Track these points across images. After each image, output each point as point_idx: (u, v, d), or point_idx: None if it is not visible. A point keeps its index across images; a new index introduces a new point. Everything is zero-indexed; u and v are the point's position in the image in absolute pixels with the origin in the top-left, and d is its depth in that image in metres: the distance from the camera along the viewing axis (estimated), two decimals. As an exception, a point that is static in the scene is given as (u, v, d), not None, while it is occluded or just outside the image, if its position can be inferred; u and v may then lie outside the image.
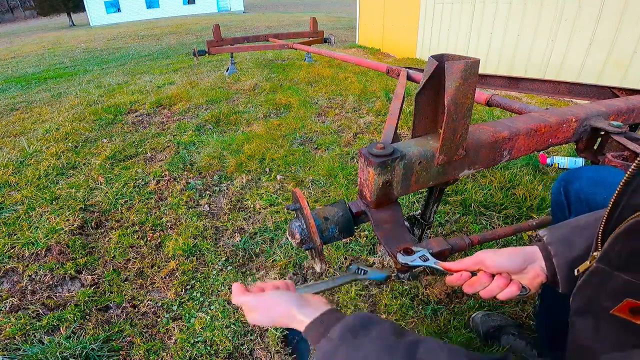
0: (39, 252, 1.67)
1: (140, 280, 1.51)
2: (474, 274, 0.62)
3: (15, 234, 1.80)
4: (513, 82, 1.59)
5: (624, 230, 0.41)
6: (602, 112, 0.97)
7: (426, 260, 0.67)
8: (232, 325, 1.26)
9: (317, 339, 0.50)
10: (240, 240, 1.69)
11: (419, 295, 1.34)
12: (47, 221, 1.87)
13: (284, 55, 6.26)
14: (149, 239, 1.74)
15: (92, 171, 2.40)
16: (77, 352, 1.17)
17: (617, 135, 0.87)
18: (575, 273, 0.51)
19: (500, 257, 0.60)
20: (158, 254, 1.65)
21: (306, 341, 1.23)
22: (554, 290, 0.58)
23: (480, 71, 0.79)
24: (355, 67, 4.89)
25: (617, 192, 0.43)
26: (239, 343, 1.21)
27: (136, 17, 27.36)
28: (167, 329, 1.28)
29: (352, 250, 1.57)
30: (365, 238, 1.64)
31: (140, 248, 1.69)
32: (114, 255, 1.64)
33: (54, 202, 2.05)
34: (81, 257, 1.63)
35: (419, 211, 1.19)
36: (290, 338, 1.26)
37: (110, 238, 1.76)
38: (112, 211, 1.97)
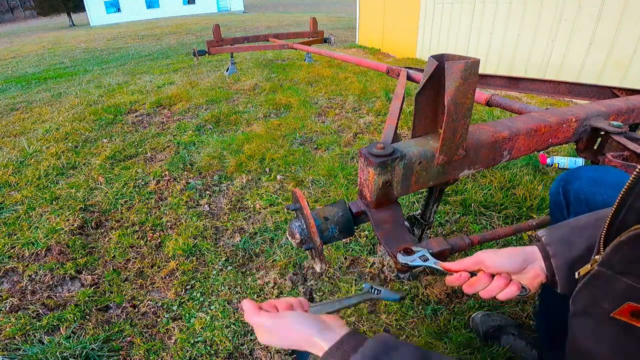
0: (39, 252, 1.67)
1: (140, 280, 1.51)
2: (473, 274, 0.62)
3: (15, 234, 1.80)
4: (513, 82, 1.59)
5: (626, 239, 0.41)
6: (602, 112, 0.97)
7: (426, 260, 0.67)
8: (232, 325, 1.26)
9: None
10: (240, 240, 1.69)
11: (419, 295, 1.34)
12: (47, 221, 1.87)
13: (284, 55, 6.26)
14: (149, 239, 1.74)
15: (92, 171, 2.40)
16: (77, 352, 1.17)
17: (617, 135, 0.87)
18: (576, 276, 0.51)
19: (500, 257, 0.60)
20: (158, 254, 1.65)
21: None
22: (553, 291, 0.58)
23: (480, 71, 0.79)
24: (355, 67, 4.89)
25: (620, 195, 0.43)
26: (239, 343, 1.21)
27: (136, 17, 27.36)
28: (167, 329, 1.28)
29: (352, 250, 1.57)
30: (365, 238, 1.64)
31: (140, 248, 1.69)
32: (114, 255, 1.64)
33: (54, 202, 2.05)
34: (81, 257, 1.63)
35: (419, 211, 1.19)
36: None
37: (110, 238, 1.76)
38: (112, 211, 1.97)
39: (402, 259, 0.68)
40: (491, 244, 1.51)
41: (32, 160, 2.60)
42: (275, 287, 1.42)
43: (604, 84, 1.34)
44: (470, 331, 1.19)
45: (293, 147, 2.61)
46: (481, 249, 0.67)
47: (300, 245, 0.78)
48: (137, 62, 6.84)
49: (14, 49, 12.07)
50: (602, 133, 0.94)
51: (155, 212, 1.94)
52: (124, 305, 1.40)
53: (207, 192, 2.12)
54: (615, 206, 0.44)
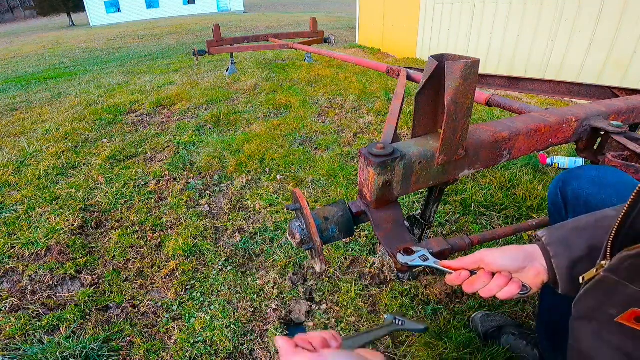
0: (39, 252, 1.67)
1: (140, 280, 1.51)
2: (473, 273, 0.62)
3: (15, 234, 1.80)
4: (513, 82, 1.59)
5: (635, 254, 0.41)
6: (602, 112, 0.97)
7: (426, 260, 0.67)
8: (232, 325, 1.26)
9: None
10: (240, 240, 1.69)
11: (419, 295, 1.34)
12: (47, 221, 1.87)
13: (284, 55, 6.26)
14: (149, 239, 1.74)
15: (92, 171, 2.40)
16: (77, 352, 1.17)
17: (617, 135, 0.87)
18: (581, 280, 0.50)
19: (500, 254, 0.60)
20: (158, 254, 1.65)
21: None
22: (554, 291, 0.58)
23: (480, 71, 0.79)
24: (355, 67, 4.89)
25: (629, 202, 0.43)
26: (239, 343, 1.21)
27: (136, 17, 27.37)
28: (167, 329, 1.28)
29: (352, 250, 1.57)
30: (365, 238, 1.64)
31: (140, 248, 1.69)
32: (114, 255, 1.64)
33: (54, 202, 2.05)
34: (81, 257, 1.63)
35: (419, 211, 1.19)
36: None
37: (110, 238, 1.76)
38: (112, 211, 1.97)
39: (402, 259, 0.68)
40: (491, 244, 1.50)
41: (32, 160, 2.60)
42: (275, 287, 1.42)
43: (604, 84, 1.34)
44: (470, 331, 1.19)
45: (293, 147, 2.61)
46: (481, 249, 0.67)
47: (300, 245, 0.78)
48: (137, 62, 6.85)
49: (14, 49, 12.07)
50: (602, 133, 0.94)
51: (155, 212, 1.94)
52: (124, 305, 1.40)
53: (207, 192, 2.12)
54: (622, 214, 0.44)
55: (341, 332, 1.23)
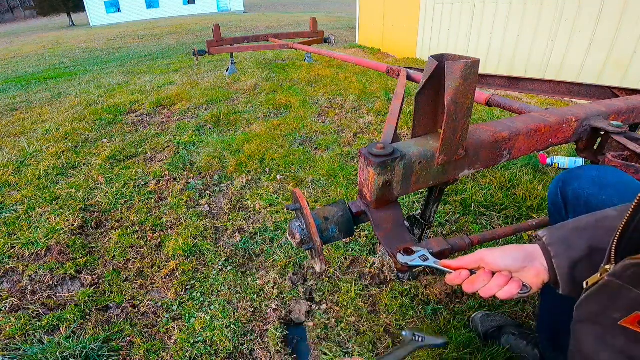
0: (39, 252, 1.67)
1: (140, 280, 1.51)
2: (473, 272, 0.61)
3: (15, 234, 1.80)
4: (513, 82, 1.59)
5: (639, 263, 0.41)
6: (602, 112, 0.97)
7: (426, 260, 0.67)
8: (232, 325, 1.26)
9: None
10: (240, 240, 1.69)
11: (419, 295, 1.34)
12: (47, 221, 1.87)
13: (284, 55, 6.26)
14: (149, 239, 1.74)
15: (92, 171, 2.40)
16: (77, 352, 1.17)
17: (617, 135, 0.87)
18: (584, 285, 0.50)
19: (500, 254, 0.60)
20: (158, 254, 1.65)
21: (306, 341, 1.23)
22: (554, 291, 0.58)
23: (480, 71, 0.79)
24: (355, 67, 4.89)
25: (633, 206, 0.43)
26: (239, 343, 1.21)
27: (136, 17, 27.36)
28: (167, 329, 1.28)
29: (352, 250, 1.57)
30: (365, 238, 1.64)
31: (140, 248, 1.69)
32: (114, 255, 1.64)
33: (54, 202, 2.05)
34: (81, 257, 1.63)
35: (419, 211, 1.19)
36: (290, 338, 1.26)
37: (110, 238, 1.76)
38: (112, 211, 1.97)
39: (402, 258, 0.68)
40: (491, 244, 1.51)
41: (32, 160, 2.60)
42: (275, 287, 1.42)
43: (604, 84, 1.34)
44: (470, 331, 1.19)
45: (293, 147, 2.61)
46: (481, 249, 0.67)
47: (300, 245, 0.78)
48: (137, 62, 6.85)
49: (14, 49, 12.07)
50: (602, 133, 0.94)
51: (155, 212, 1.94)
52: (124, 305, 1.40)
53: (207, 192, 2.12)
54: (626, 219, 0.45)
55: (341, 331, 1.23)
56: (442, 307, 1.29)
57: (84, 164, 2.52)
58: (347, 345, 1.19)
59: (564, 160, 2.10)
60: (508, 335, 1.10)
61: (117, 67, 6.40)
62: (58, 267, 1.58)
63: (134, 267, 1.57)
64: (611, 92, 1.31)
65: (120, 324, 1.31)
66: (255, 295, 1.39)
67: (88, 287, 1.48)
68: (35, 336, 1.25)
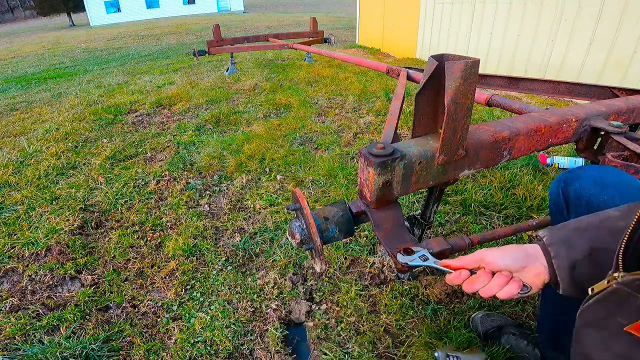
0: (39, 252, 1.67)
1: (140, 280, 1.51)
2: (473, 272, 0.61)
3: (15, 234, 1.80)
4: (513, 82, 1.59)
5: None
6: (602, 112, 0.97)
7: (426, 260, 0.67)
8: (232, 325, 1.26)
9: None
10: (240, 240, 1.69)
11: (419, 295, 1.34)
12: (47, 221, 1.87)
13: (284, 55, 6.26)
14: (149, 239, 1.74)
15: (92, 171, 2.40)
16: (77, 352, 1.17)
17: (617, 135, 0.87)
18: (590, 292, 0.50)
19: (501, 253, 0.60)
20: (158, 254, 1.65)
21: (306, 341, 1.23)
22: (555, 292, 0.58)
23: (480, 71, 0.79)
24: (355, 67, 4.89)
25: (638, 214, 0.44)
26: (239, 343, 1.21)
27: (136, 17, 27.36)
28: (167, 329, 1.28)
29: (352, 250, 1.57)
30: (365, 238, 1.64)
31: (140, 248, 1.69)
32: (114, 255, 1.64)
33: (54, 202, 2.05)
34: (81, 257, 1.63)
35: (419, 211, 1.19)
36: (291, 338, 1.26)
37: (110, 238, 1.76)
38: (112, 211, 1.97)
39: (402, 258, 0.68)
40: (491, 244, 1.51)
41: (32, 160, 2.60)
42: (275, 287, 1.42)
43: (604, 84, 1.34)
44: (470, 331, 1.19)
45: (293, 147, 2.61)
46: (481, 248, 0.67)
47: (300, 245, 0.78)
48: (137, 62, 6.85)
49: (14, 49, 12.07)
50: (602, 133, 0.94)
51: (155, 212, 1.94)
52: (124, 305, 1.40)
53: (207, 192, 2.12)
54: (634, 222, 0.45)
55: (341, 331, 1.23)
56: (442, 307, 1.29)
57: (84, 164, 2.52)
58: (347, 345, 1.19)
59: (564, 160, 2.10)
60: (508, 335, 1.10)
61: (117, 67, 6.40)
62: (58, 267, 1.58)
63: (134, 267, 1.57)
64: (611, 92, 1.31)
65: (120, 324, 1.31)
66: (255, 295, 1.39)
67: (88, 287, 1.48)
68: (35, 336, 1.25)
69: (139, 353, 1.19)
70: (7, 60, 9.04)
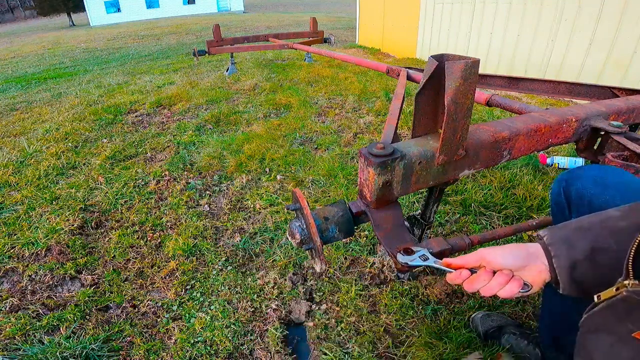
0: (39, 252, 1.67)
1: (140, 280, 1.51)
2: (473, 271, 0.61)
3: (15, 234, 1.80)
4: (513, 82, 1.59)
5: None
6: (602, 112, 0.97)
7: (426, 259, 0.67)
8: (232, 325, 1.26)
9: None
10: (240, 240, 1.69)
11: (419, 295, 1.34)
12: (47, 221, 1.87)
13: (284, 55, 6.26)
14: (149, 239, 1.74)
15: (92, 171, 2.40)
16: (77, 352, 1.17)
17: (617, 135, 0.87)
18: (596, 299, 0.50)
19: (502, 252, 0.59)
20: (158, 254, 1.65)
21: (306, 341, 1.23)
22: (556, 292, 0.58)
23: (480, 71, 0.79)
24: (355, 67, 4.89)
25: None
26: (239, 343, 1.21)
27: (136, 17, 27.36)
28: (167, 329, 1.28)
29: (352, 250, 1.57)
30: (365, 238, 1.64)
31: (140, 248, 1.69)
32: (114, 255, 1.64)
33: (54, 202, 2.05)
34: (81, 257, 1.63)
35: (419, 211, 1.19)
36: (290, 338, 1.26)
37: (110, 238, 1.76)
38: (112, 211, 1.97)
39: (402, 258, 0.68)
40: (491, 244, 1.51)
41: (32, 160, 2.60)
42: (275, 287, 1.42)
43: (604, 84, 1.34)
44: (470, 331, 1.19)
45: (293, 147, 2.61)
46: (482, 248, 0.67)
47: (300, 245, 0.78)
48: (137, 62, 6.85)
49: (14, 49, 12.07)
50: (602, 133, 0.94)
51: (155, 212, 1.94)
52: (124, 305, 1.40)
53: (207, 192, 2.12)
54: None
55: (341, 331, 1.23)
56: (442, 307, 1.29)
57: (84, 164, 2.52)
58: (347, 345, 1.19)
59: (564, 160, 2.10)
60: (508, 335, 1.10)
61: (117, 67, 6.40)
62: (58, 267, 1.58)
63: (134, 267, 1.57)
64: (611, 92, 1.31)
65: (120, 324, 1.31)
66: (255, 295, 1.39)
67: (88, 287, 1.48)
68: (35, 336, 1.25)
69: (139, 353, 1.19)
70: (7, 60, 9.04)
